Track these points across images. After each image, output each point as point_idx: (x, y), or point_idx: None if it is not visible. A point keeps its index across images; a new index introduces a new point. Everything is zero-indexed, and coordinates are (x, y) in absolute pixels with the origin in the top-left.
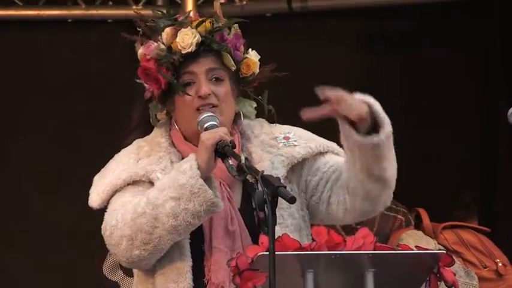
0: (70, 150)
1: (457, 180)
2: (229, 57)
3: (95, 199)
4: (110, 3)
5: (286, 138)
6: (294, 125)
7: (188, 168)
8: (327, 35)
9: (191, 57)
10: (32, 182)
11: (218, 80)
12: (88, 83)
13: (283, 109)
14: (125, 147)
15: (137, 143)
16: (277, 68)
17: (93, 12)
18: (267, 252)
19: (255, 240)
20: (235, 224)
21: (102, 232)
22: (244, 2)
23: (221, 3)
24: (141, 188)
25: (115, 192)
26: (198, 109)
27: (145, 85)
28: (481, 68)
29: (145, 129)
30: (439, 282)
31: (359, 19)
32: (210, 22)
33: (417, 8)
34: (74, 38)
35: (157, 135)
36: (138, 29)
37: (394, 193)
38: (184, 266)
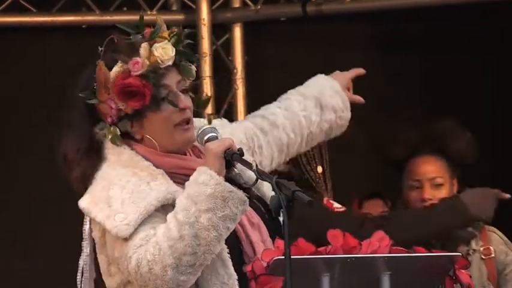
0: None
1: (477, 181)
2: (192, 67)
3: (124, 229)
4: (124, 8)
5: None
6: None
7: (208, 178)
8: (342, 39)
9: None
10: (44, 191)
11: (186, 92)
12: None
13: None
14: (76, 180)
15: (121, 168)
16: (292, 71)
17: (108, 18)
18: (283, 257)
19: (272, 232)
20: (255, 217)
21: (134, 271)
22: (259, 6)
23: (236, 8)
24: (157, 218)
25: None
26: (177, 125)
27: (111, 105)
28: (499, 70)
29: (90, 156)
30: (455, 285)
31: (374, 23)
32: (179, 34)
33: (432, 11)
34: (89, 44)
35: (132, 155)
36: (101, 48)
37: None
38: (229, 279)
